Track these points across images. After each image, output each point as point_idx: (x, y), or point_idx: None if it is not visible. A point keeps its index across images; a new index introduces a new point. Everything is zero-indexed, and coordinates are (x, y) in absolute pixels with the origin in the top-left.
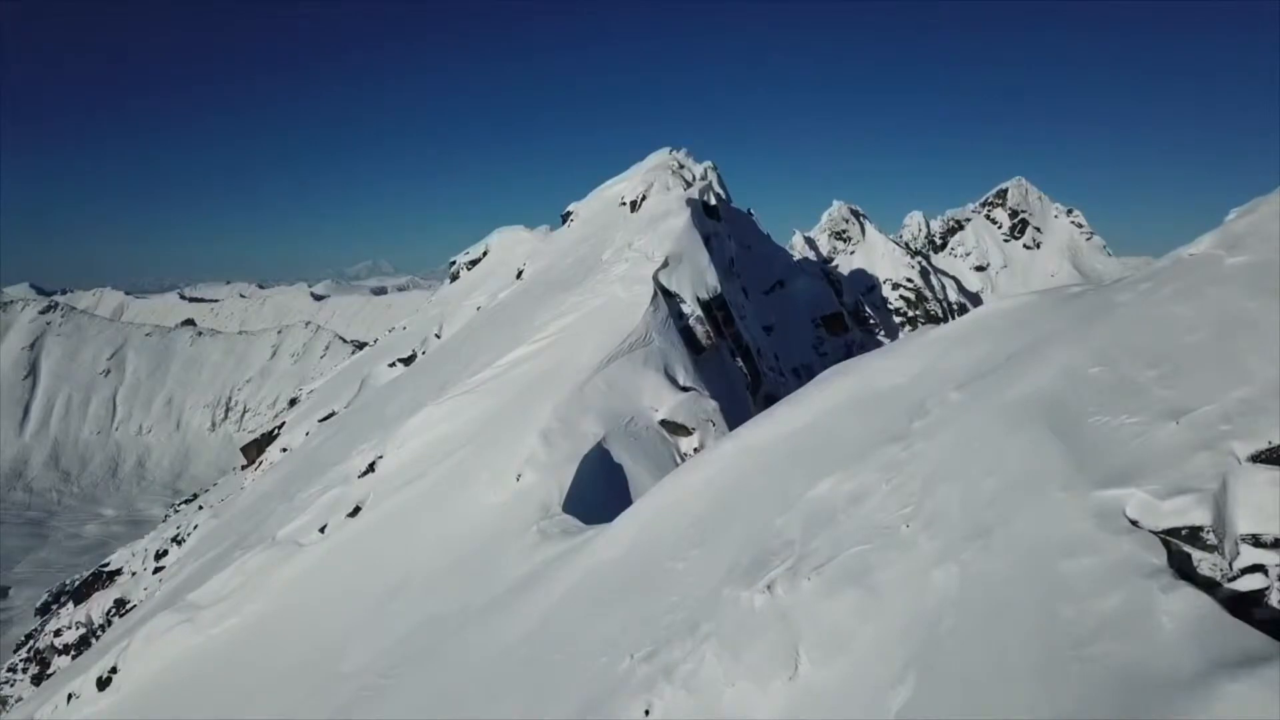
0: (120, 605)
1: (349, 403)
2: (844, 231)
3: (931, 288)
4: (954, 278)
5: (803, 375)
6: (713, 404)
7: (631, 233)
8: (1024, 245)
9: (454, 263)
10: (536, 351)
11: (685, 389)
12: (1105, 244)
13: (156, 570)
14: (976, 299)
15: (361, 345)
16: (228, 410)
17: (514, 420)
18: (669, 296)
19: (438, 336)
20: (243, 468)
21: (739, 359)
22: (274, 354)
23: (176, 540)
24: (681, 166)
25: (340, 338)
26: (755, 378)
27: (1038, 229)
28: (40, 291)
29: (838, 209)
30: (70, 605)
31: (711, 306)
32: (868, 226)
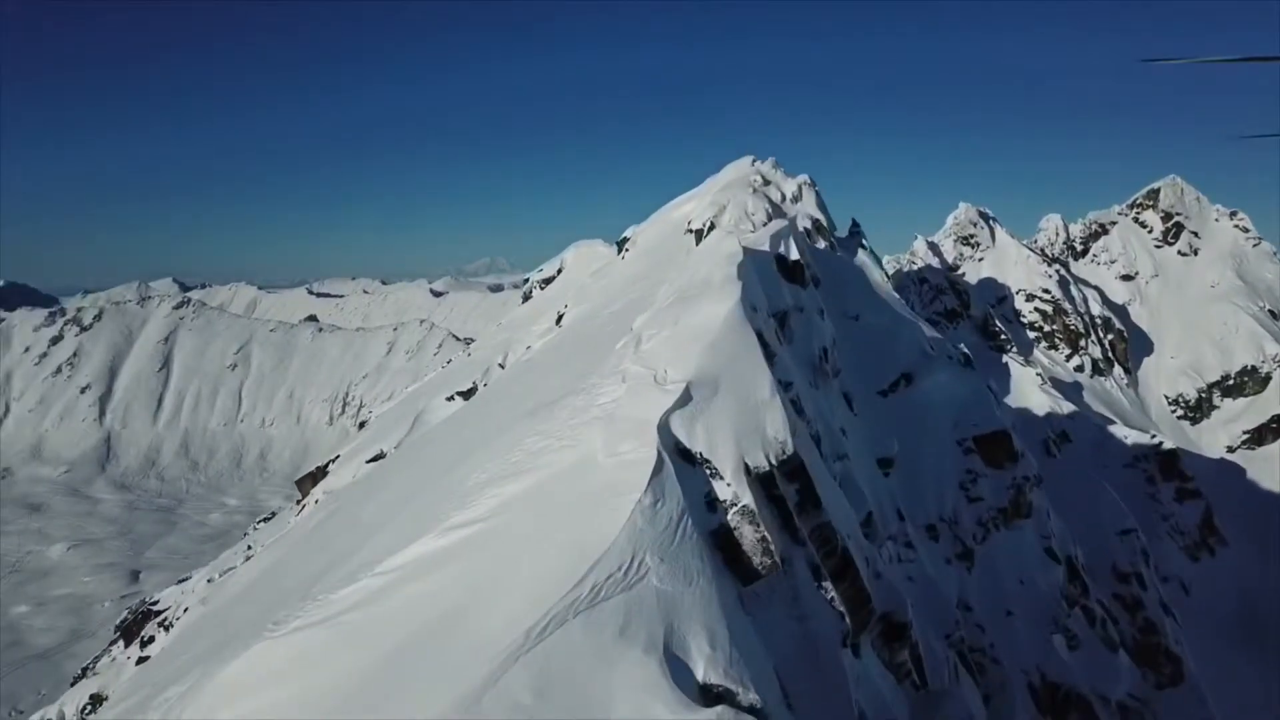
0: (96, 702)
1: (399, 442)
2: (971, 236)
3: (1071, 299)
4: (1096, 288)
5: (941, 537)
6: None
7: (668, 299)
8: (1179, 252)
9: (527, 280)
10: (442, 557)
11: (709, 691)
12: (1276, 250)
13: (140, 660)
14: (1123, 312)
15: (470, 343)
16: (345, 405)
17: None
18: (691, 463)
19: (501, 366)
20: (297, 502)
21: (826, 580)
22: (389, 350)
23: (164, 625)
24: (767, 183)
25: (454, 335)
26: (859, 602)
27: (1195, 233)
28: (182, 286)
29: (964, 211)
30: (121, 645)
31: (774, 479)
32: (998, 231)
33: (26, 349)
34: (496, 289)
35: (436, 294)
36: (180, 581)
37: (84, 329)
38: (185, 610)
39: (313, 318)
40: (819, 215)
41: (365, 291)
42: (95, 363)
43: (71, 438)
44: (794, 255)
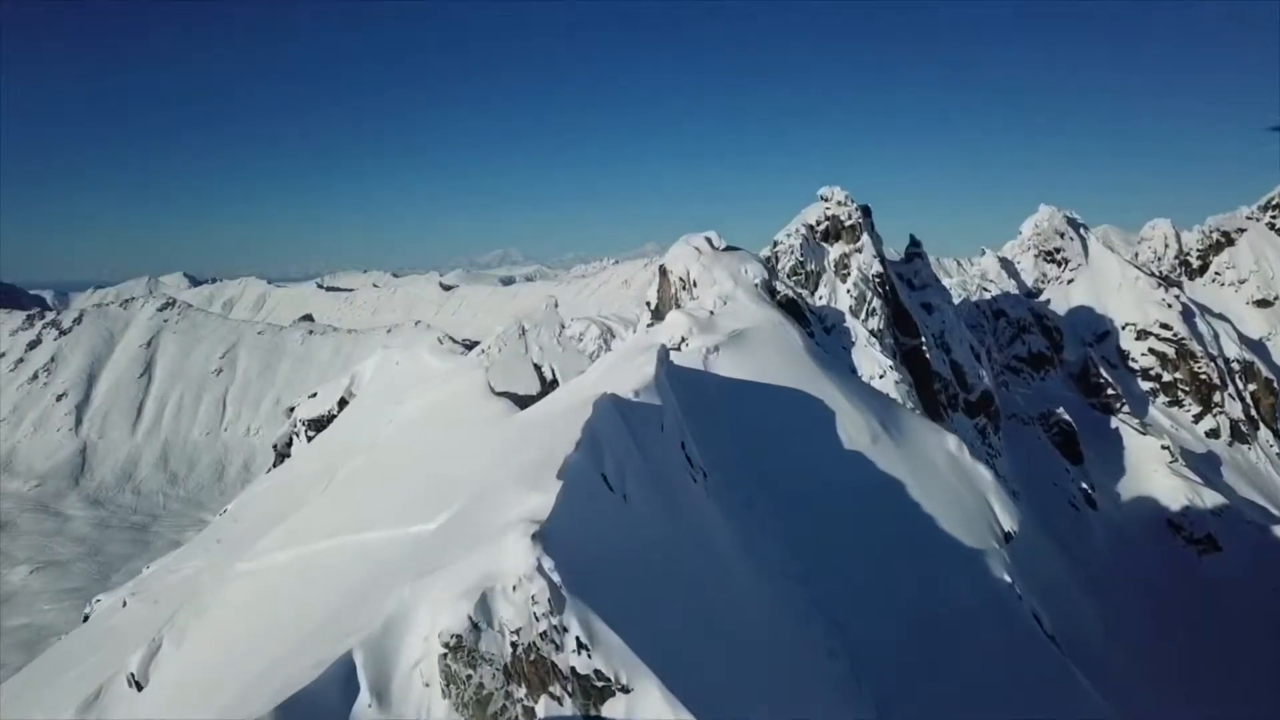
0: None
1: None
2: (1058, 250)
3: (1199, 336)
4: (1223, 317)
5: None
6: None
7: None
8: None
9: (291, 410)
10: None
11: None
12: None
13: None
14: (1261, 349)
15: (472, 346)
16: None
17: None
18: None
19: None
20: None
21: None
22: None
23: None
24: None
25: (451, 338)
26: None
27: None
28: (193, 281)
29: (1048, 217)
30: None
31: None
32: (1092, 243)
33: (2, 354)
34: (508, 281)
35: (446, 287)
36: None
37: (63, 333)
38: None
39: (308, 317)
40: None
41: (375, 285)
42: (73, 368)
43: (45, 449)
44: None
